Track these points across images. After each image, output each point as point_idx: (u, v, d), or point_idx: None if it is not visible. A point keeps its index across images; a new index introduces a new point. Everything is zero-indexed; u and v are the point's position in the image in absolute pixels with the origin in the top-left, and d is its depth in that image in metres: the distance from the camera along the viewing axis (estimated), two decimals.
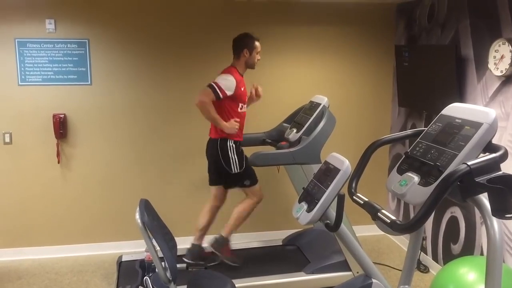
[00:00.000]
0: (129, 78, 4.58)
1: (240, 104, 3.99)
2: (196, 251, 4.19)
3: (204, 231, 4.22)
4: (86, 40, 4.45)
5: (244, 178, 4.05)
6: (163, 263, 2.74)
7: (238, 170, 3.99)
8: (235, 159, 3.97)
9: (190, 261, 4.13)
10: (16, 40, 4.33)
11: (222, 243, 4.11)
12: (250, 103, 4.23)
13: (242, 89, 3.97)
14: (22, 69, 4.37)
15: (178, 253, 3.24)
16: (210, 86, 3.81)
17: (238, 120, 3.95)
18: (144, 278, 3.64)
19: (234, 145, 3.98)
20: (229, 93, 3.84)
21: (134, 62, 4.57)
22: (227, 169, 3.98)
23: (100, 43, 4.49)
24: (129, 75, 4.58)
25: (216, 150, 3.98)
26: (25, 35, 4.34)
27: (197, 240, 4.22)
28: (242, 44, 3.96)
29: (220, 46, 4.59)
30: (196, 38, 4.62)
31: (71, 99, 4.50)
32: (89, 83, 4.51)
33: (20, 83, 4.39)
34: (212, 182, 4.20)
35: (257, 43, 3.99)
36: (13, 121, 4.43)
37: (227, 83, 3.84)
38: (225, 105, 3.92)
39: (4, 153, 4.46)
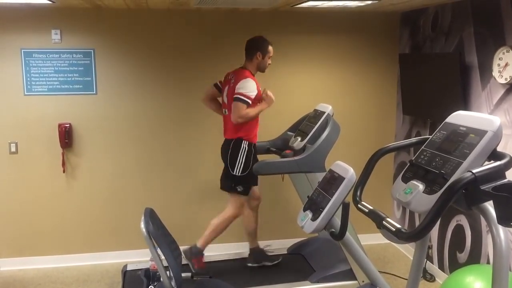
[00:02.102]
0: (135, 87, 4.61)
1: (257, 104, 4.01)
2: (257, 253, 4.32)
3: (255, 233, 4.32)
4: (92, 50, 4.48)
5: (240, 183, 4.01)
6: (168, 272, 2.74)
7: (239, 173, 3.97)
8: (242, 161, 3.96)
9: (255, 265, 4.32)
10: (22, 50, 4.37)
11: (195, 253, 4.11)
12: (265, 107, 4.20)
13: (259, 89, 4.00)
14: (28, 79, 4.40)
15: (185, 261, 3.24)
16: (239, 99, 3.84)
17: (270, 92, 3.98)
18: (149, 287, 3.64)
19: (247, 147, 3.97)
20: (253, 95, 3.89)
21: (139, 72, 4.60)
22: (230, 168, 3.98)
23: (105, 53, 4.52)
24: (134, 85, 4.60)
25: (228, 148, 3.99)
26: (31, 45, 4.37)
27: (252, 244, 4.34)
28: (256, 47, 3.98)
29: (225, 56, 4.61)
30: (201, 47, 4.64)
31: (77, 108, 4.52)
32: (94, 92, 4.54)
33: (26, 93, 4.42)
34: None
35: (270, 48, 4.02)
36: (19, 130, 4.46)
37: (250, 88, 3.87)
38: None
39: (10, 163, 4.49)
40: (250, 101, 3.86)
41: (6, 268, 4.58)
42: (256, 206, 4.28)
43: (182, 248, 4.11)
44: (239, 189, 4.02)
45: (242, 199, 4.08)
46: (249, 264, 4.33)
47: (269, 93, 4.15)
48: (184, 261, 4.08)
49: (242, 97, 3.85)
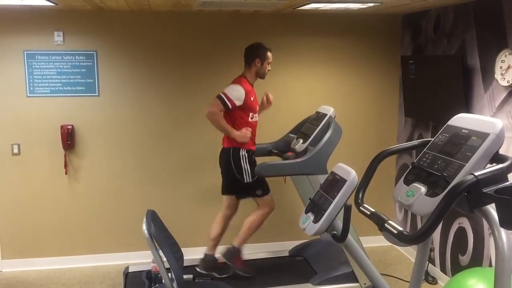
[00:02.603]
0: (137, 89, 4.61)
1: (251, 114, 4.01)
2: (209, 262, 4.19)
3: (217, 241, 4.21)
4: (94, 52, 4.49)
5: (256, 188, 4.04)
6: (169, 274, 2.74)
7: (250, 180, 3.98)
8: (247, 168, 3.97)
9: (203, 271, 4.14)
10: (25, 52, 4.38)
11: (234, 253, 4.11)
12: (262, 110, 4.24)
13: (252, 98, 3.98)
14: (31, 80, 4.42)
15: (187, 263, 3.24)
16: (219, 96, 3.85)
17: (250, 129, 3.96)
18: None
19: (246, 154, 3.98)
20: (238, 103, 3.87)
21: (141, 73, 4.60)
22: (239, 178, 3.98)
23: (108, 55, 4.53)
24: (136, 86, 4.61)
25: (229, 159, 3.99)
26: (33, 47, 4.39)
27: (210, 250, 4.22)
28: (254, 54, 3.98)
29: (227, 58, 4.62)
30: (203, 49, 4.65)
31: (79, 110, 4.53)
32: (96, 94, 4.55)
33: (28, 95, 4.43)
34: (225, 191, 4.20)
35: (269, 54, 4.02)
36: (22, 132, 4.47)
37: (236, 93, 3.87)
38: (235, 115, 3.94)
39: (12, 164, 4.49)
40: (229, 105, 3.84)
41: (8, 269, 4.59)
42: (228, 216, 4.22)
43: (220, 248, 4.14)
44: (259, 193, 4.05)
45: (267, 198, 4.09)
46: (197, 269, 4.18)
47: (270, 96, 4.16)
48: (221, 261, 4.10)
49: (223, 96, 3.84)
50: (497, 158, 1.78)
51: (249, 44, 4.04)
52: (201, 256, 4.22)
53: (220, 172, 4.15)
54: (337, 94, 4.91)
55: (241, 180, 3.99)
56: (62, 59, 4.45)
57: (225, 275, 4.13)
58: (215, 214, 4.26)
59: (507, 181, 1.69)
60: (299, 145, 3.95)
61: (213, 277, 4.12)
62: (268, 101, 4.25)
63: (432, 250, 4.41)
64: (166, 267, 2.74)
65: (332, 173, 2.54)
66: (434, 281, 4.33)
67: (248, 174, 3.97)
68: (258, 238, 4.50)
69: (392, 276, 4.41)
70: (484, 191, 1.65)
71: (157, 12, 4.51)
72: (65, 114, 4.51)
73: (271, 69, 4.14)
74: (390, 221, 1.94)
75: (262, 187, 4.07)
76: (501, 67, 3.42)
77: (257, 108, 4.11)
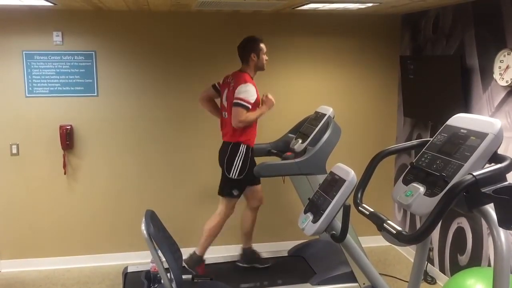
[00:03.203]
0: (136, 89, 4.61)
1: (256, 108, 4.02)
2: (249, 254, 4.33)
3: (250, 233, 4.31)
4: (93, 52, 4.49)
5: (234, 187, 4.04)
6: (168, 274, 2.74)
7: (235, 177, 3.98)
8: (238, 164, 3.97)
9: (245, 265, 4.35)
10: (24, 52, 4.37)
11: (196, 260, 4.14)
12: (265, 110, 4.20)
13: (258, 93, 4.00)
14: (30, 81, 4.41)
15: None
16: (239, 104, 3.86)
17: (268, 94, 4.01)
18: None
19: (244, 151, 3.98)
20: (253, 99, 3.89)
21: (140, 74, 4.60)
22: (226, 171, 3.99)
23: (107, 55, 4.52)
24: (135, 87, 4.61)
25: (226, 151, 4.00)
26: (32, 48, 4.38)
27: (246, 244, 4.36)
28: (248, 50, 3.99)
29: (226, 58, 4.60)
30: (202, 49, 4.65)
31: (78, 110, 4.53)
32: (95, 94, 4.54)
33: (27, 95, 4.43)
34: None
35: (262, 45, 4.01)
36: (20, 132, 4.46)
37: (249, 92, 3.88)
38: None
39: (11, 164, 4.49)
40: (250, 106, 3.88)
41: (7, 269, 4.58)
42: (256, 207, 4.27)
43: (184, 257, 4.14)
44: (235, 193, 4.05)
45: (234, 201, 4.12)
46: (239, 264, 4.37)
47: (270, 96, 4.15)
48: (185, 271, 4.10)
49: (242, 102, 3.86)
50: (495, 158, 1.78)
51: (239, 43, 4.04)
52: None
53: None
54: (336, 94, 4.91)
55: (226, 174, 3.99)
56: (61, 59, 4.44)
57: (266, 265, 4.36)
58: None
59: (506, 181, 1.69)
60: (298, 145, 3.95)
61: (212, 278, 4.12)
62: (269, 100, 4.24)
63: (431, 250, 4.41)
64: (165, 267, 2.74)
65: (331, 173, 2.54)
66: (433, 281, 4.33)
67: (236, 171, 3.96)
68: (257, 238, 4.50)
69: (391, 276, 4.41)
70: (482, 191, 1.65)
71: (156, 12, 4.50)
72: (64, 114, 4.51)
73: (269, 69, 4.14)
74: (389, 221, 1.94)
75: (240, 189, 4.08)
76: (499, 67, 3.42)
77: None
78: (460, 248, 4.02)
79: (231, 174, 3.98)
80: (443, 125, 2.05)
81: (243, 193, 4.17)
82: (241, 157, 3.97)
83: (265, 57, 4.04)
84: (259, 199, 4.26)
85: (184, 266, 4.10)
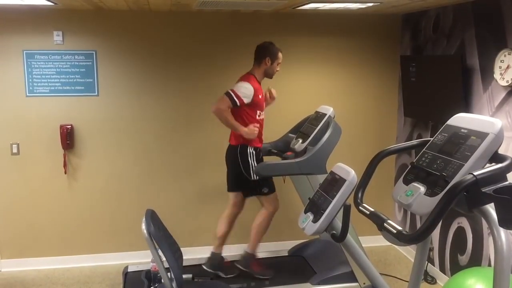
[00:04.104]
0: (136, 88, 4.61)
1: (258, 112, 4.01)
2: (216, 260, 4.19)
3: (223, 239, 4.20)
4: (94, 52, 4.49)
5: (263, 186, 4.03)
6: (169, 273, 2.74)
7: (257, 177, 3.97)
8: (254, 165, 3.96)
9: (209, 270, 4.14)
10: (24, 52, 4.37)
11: (248, 259, 4.12)
12: (266, 105, 4.22)
13: (260, 96, 3.99)
14: (30, 80, 4.41)
15: (186, 263, 3.24)
16: (227, 93, 3.85)
17: (257, 125, 3.96)
18: None
19: (254, 152, 3.98)
20: (246, 100, 3.87)
21: (141, 73, 4.60)
22: (246, 175, 3.98)
23: (107, 55, 4.52)
24: (136, 86, 4.61)
25: (236, 156, 3.98)
26: (33, 47, 4.38)
27: (216, 248, 4.21)
28: (265, 52, 3.98)
29: (226, 57, 4.62)
30: (202, 49, 4.65)
31: (78, 110, 4.53)
32: (96, 94, 4.54)
33: (28, 95, 4.43)
34: (231, 188, 4.19)
35: (280, 54, 4.02)
36: (21, 132, 4.46)
37: (245, 91, 3.88)
38: (243, 112, 3.94)
39: (11, 164, 4.49)
40: (238, 102, 3.85)
41: (7, 269, 4.58)
42: (234, 214, 4.21)
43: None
44: (265, 191, 4.03)
45: (271, 196, 4.08)
46: (204, 267, 4.18)
47: (273, 91, 4.15)
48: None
49: (231, 93, 3.84)
50: (496, 157, 1.78)
51: (260, 43, 4.03)
52: (204, 255, 4.21)
53: (226, 170, 4.15)
54: (336, 93, 4.91)
55: (248, 178, 3.98)
56: (62, 59, 4.45)
57: (231, 275, 4.13)
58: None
59: (506, 180, 1.69)
60: (299, 145, 3.95)
61: (213, 277, 4.12)
62: (272, 97, 4.27)
63: (431, 249, 4.41)
64: (165, 266, 2.74)
65: (332, 172, 2.54)
66: (433, 280, 4.33)
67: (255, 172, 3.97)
68: None
69: (391, 276, 4.42)
70: (483, 190, 1.65)
71: (157, 12, 4.50)
72: (65, 113, 4.51)
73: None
74: (389, 221, 1.94)
75: (269, 185, 4.06)
76: (500, 67, 3.42)
77: (264, 105, 4.11)
78: (460, 248, 4.02)
79: (252, 177, 3.97)
80: (443, 125, 2.05)
81: (232, 195, 4.15)
82: (253, 158, 3.97)
83: (277, 67, 4.04)
84: (238, 206, 4.22)
85: (239, 266, 4.11)
